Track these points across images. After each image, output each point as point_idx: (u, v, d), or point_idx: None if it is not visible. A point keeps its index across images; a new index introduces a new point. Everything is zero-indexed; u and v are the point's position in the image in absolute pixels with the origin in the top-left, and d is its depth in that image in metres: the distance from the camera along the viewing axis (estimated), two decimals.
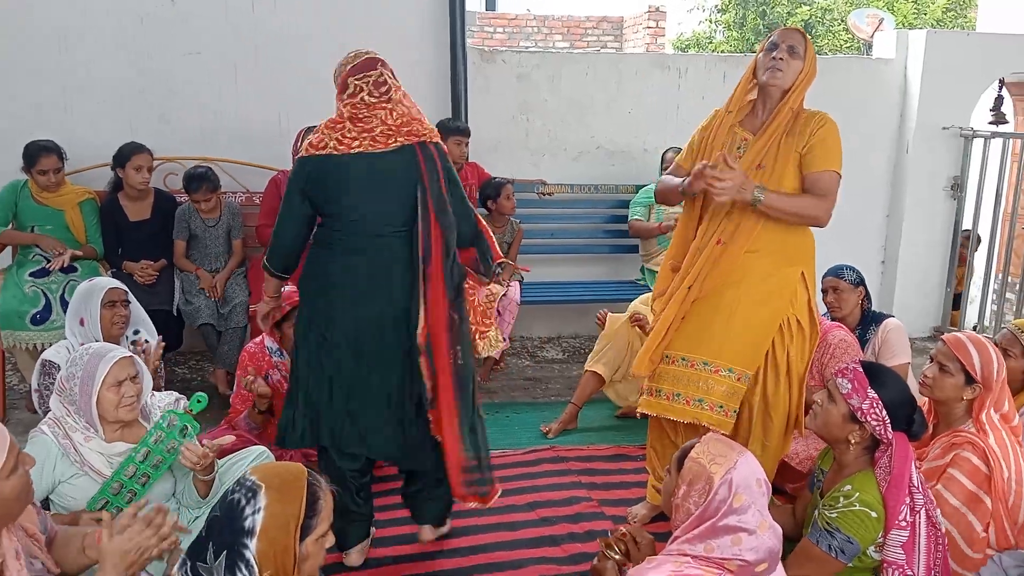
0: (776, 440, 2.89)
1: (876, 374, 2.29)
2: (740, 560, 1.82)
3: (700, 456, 1.92)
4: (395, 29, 4.86)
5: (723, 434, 2.81)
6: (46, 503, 2.37)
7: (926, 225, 5.63)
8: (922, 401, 2.76)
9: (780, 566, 1.97)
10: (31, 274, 3.95)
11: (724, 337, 2.76)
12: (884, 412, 2.22)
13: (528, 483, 3.46)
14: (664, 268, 3.03)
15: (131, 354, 2.40)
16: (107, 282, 3.16)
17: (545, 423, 4.01)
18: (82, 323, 3.03)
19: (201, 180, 4.19)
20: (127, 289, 3.19)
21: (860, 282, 3.74)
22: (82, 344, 2.82)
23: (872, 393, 2.23)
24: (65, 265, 3.96)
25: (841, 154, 2.75)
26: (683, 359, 2.82)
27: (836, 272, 3.75)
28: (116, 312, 3.09)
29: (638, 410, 2.98)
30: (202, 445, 2.25)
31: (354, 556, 2.80)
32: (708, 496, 1.85)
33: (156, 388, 3.10)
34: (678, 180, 2.86)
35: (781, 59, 2.70)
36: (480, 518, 3.15)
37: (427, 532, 2.94)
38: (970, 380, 2.56)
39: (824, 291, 3.75)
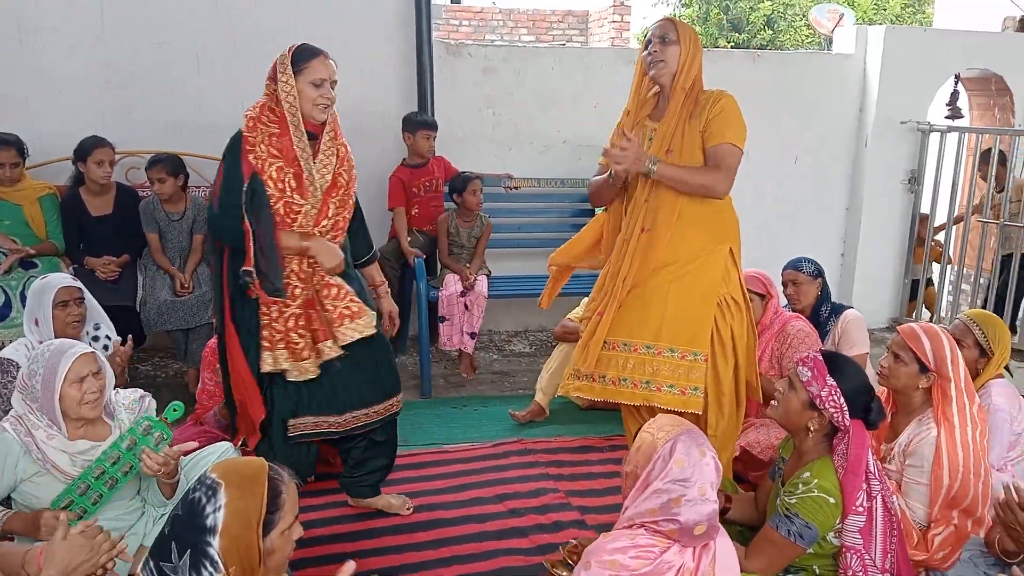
0: (729, 417, 2.96)
1: (836, 363, 2.34)
2: (676, 520, 1.94)
3: (650, 427, 2.08)
4: (362, 22, 4.84)
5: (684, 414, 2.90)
6: (8, 502, 2.34)
7: (884, 218, 5.75)
8: (881, 391, 2.84)
9: (727, 539, 2.07)
10: None
11: (661, 319, 2.84)
12: (842, 400, 2.27)
13: (496, 475, 3.49)
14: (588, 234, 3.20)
15: (93, 350, 2.37)
16: (59, 280, 3.06)
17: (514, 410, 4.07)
18: (37, 323, 2.98)
19: (157, 161, 4.15)
20: (80, 287, 3.11)
21: (819, 274, 3.82)
22: (40, 342, 2.78)
23: (831, 381, 2.29)
24: (14, 268, 3.90)
25: (741, 127, 2.84)
26: (624, 344, 2.88)
27: (795, 265, 3.82)
28: (69, 312, 3.01)
29: (566, 393, 3.05)
30: (163, 452, 2.24)
31: None
32: (652, 460, 1.99)
33: (120, 385, 3.08)
34: (604, 176, 2.99)
35: (656, 51, 2.83)
36: (449, 511, 3.19)
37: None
38: (924, 369, 2.63)
39: (784, 284, 3.83)
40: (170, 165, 4.15)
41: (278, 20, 4.72)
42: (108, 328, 3.26)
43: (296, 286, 2.71)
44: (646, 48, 2.87)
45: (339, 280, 2.80)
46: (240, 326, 2.74)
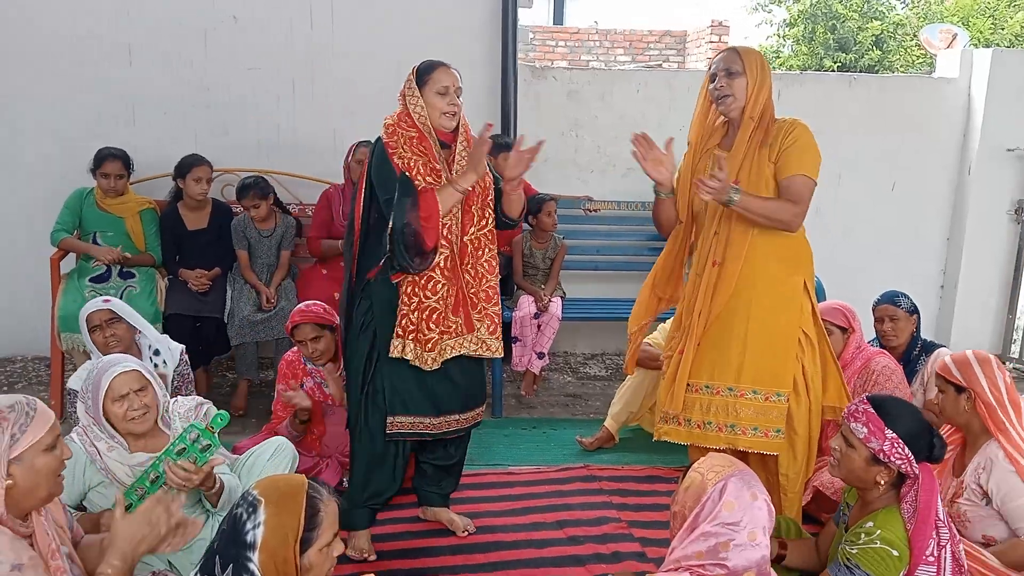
0: (801, 458, 2.88)
1: (888, 411, 2.25)
2: (724, 566, 1.87)
3: (700, 467, 2.02)
4: (448, 46, 4.90)
5: (763, 454, 2.85)
6: (82, 509, 2.47)
7: (988, 249, 5.45)
8: (947, 428, 2.77)
9: None
10: (91, 279, 4.15)
11: (742, 360, 2.79)
12: (906, 449, 2.18)
13: (558, 500, 3.46)
14: (644, 294, 3.18)
15: (137, 367, 2.43)
16: (88, 307, 3.18)
17: (582, 436, 4.03)
18: None
19: (248, 188, 4.31)
20: (112, 308, 3.17)
21: (915, 310, 3.62)
22: None
23: (890, 433, 2.20)
24: (118, 259, 4.15)
25: (815, 158, 2.76)
26: (707, 387, 2.85)
27: (892, 299, 3.62)
28: (103, 333, 3.10)
29: (657, 437, 3.00)
30: (183, 463, 2.26)
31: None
32: (700, 502, 1.93)
33: (183, 393, 3.20)
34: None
35: (723, 86, 2.76)
36: (508, 534, 3.18)
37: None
38: (959, 389, 2.62)
39: (879, 319, 3.63)
40: (259, 190, 4.31)
41: (367, 47, 4.88)
42: (166, 353, 3.29)
43: (439, 281, 2.79)
44: (712, 81, 2.81)
45: (497, 295, 2.94)
46: (360, 318, 2.86)
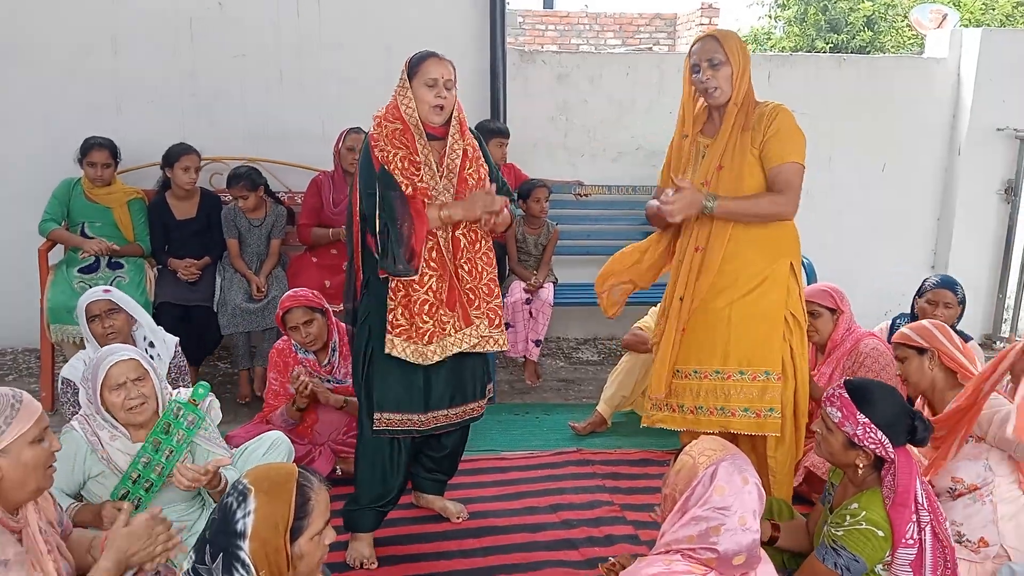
0: (789, 440, 2.89)
1: (863, 395, 2.25)
2: (714, 550, 1.86)
3: (691, 450, 2.00)
4: (436, 32, 4.90)
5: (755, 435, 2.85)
6: (80, 498, 2.47)
7: (978, 229, 5.47)
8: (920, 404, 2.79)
9: (770, 566, 1.99)
10: (79, 270, 4.14)
11: (728, 342, 2.80)
12: (879, 434, 2.18)
13: (552, 485, 3.48)
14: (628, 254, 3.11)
15: (135, 356, 2.42)
16: (88, 296, 3.14)
17: (575, 421, 4.04)
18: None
19: (239, 178, 4.29)
20: (111, 299, 3.14)
21: (964, 301, 3.43)
22: None
23: (862, 418, 2.20)
24: (107, 251, 4.13)
25: (800, 142, 2.74)
26: (695, 372, 2.86)
27: (951, 286, 3.39)
28: (102, 323, 3.07)
29: (646, 423, 2.99)
30: (191, 465, 2.28)
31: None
32: (691, 486, 1.92)
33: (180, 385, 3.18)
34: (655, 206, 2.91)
35: (708, 78, 2.72)
36: (502, 519, 3.20)
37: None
38: (921, 351, 2.69)
39: (933, 303, 3.39)
40: (249, 181, 4.29)
41: (353, 33, 4.85)
42: (161, 346, 3.26)
43: (425, 272, 2.71)
44: (695, 74, 2.76)
45: (497, 288, 2.87)
46: (361, 313, 2.81)
